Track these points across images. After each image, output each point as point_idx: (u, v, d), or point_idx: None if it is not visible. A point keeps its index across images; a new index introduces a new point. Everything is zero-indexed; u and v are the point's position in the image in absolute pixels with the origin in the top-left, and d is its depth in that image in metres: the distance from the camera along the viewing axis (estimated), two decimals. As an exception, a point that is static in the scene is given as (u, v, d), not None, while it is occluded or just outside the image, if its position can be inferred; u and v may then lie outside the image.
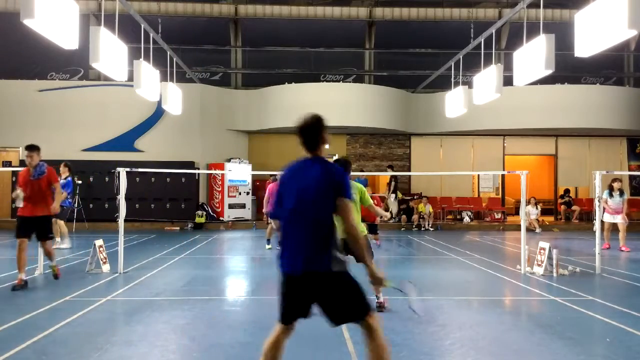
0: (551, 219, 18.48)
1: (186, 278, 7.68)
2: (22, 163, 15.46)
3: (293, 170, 3.31)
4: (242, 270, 8.96)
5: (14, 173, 15.71)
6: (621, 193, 11.20)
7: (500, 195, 19.15)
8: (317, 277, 3.13)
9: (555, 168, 19.26)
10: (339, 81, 19.48)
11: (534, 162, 20.47)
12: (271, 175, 12.28)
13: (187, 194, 16.32)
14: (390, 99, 17.59)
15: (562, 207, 17.98)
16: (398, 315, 5.55)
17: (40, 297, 6.48)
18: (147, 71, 10.12)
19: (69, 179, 10.77)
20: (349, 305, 3.18)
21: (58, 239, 10.66)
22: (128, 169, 8.23)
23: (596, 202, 8.52)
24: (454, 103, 12.94)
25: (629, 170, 18.91)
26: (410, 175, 19.04)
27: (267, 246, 11.43)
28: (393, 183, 16.92)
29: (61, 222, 10.76)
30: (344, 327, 5.04)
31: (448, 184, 19.04)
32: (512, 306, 6.51)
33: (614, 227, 11.25)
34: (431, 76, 16.98)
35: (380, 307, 5.62)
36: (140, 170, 9.37)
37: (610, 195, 11.17)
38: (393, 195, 16.94)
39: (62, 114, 16.57)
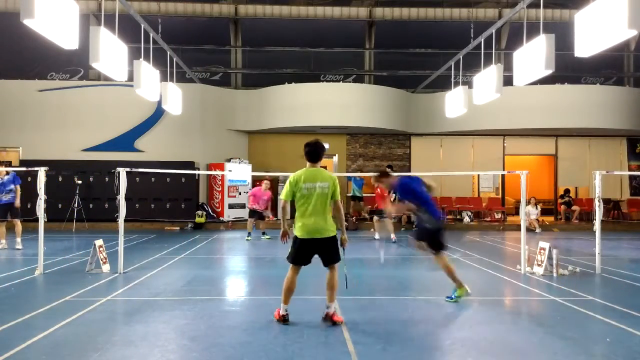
0: (551, 219, 18.47)
1: (186, 278, 7.67)
2: (22, 163, 15.50)
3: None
4: (242, 270, 8.96)
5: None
6: None
7: (500, 195, 19.15)
8: None
9: (555, 168, 19.26)
10: (339, 81, 19.47)
11: (534, 162, 20.47)
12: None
13: (187, 194, 16.31)
14: (390, 99, 17.58)
15: (562, 207, 17.98)
16: (398, 316, 5.56)
17: (40, 297, 6.49)
18: (147, 71, 10.12)
19: (13, 174, 10.43)
20: None
21: (2, 241, 10.46)
22: (128, 169, 8.23)
23: (596, 202, 8.52)
24: (454, 103, 12.94)
25: (629, 170, 18.91)
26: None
27: (248, 238, 12.69)
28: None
29: None
30: (344, 327, 5.05)
31: (448, 184, 19.03)
32: (512, 306, 6.51)
33: None
34: (431, 76, 16.98)
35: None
36: (140, 170, 9.36)
37: None
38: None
39: (62, 114, 16.57)
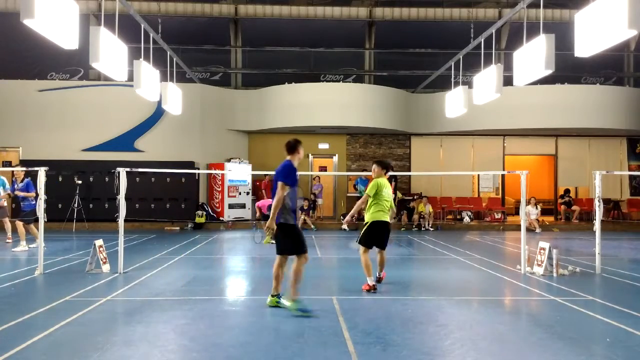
0: (551, 219, 18.48)
1: (186, 278, 7.67)
2: (22, 163, 15.48)
3: None
4: (242, 270, 8.96)
5: (14, 173, 15.70)
6: None
7: (500, 195, 19.15)
8: None
9: (555, 168, 19.27)
10: (339, 81, 19.47)
11: (534, 162, 20.47)
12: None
13: (187, 194, 16.32)
14: (390, 99, 17.58)
15: (562, 207, 17.98)
16: (398, 316, 5.56)
17: (40, 297, 6.48)
18: (147, 71, 10.12)
19: (28, 180, 10.59)
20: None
21: (23, 242, 10.45)
22: (128, 169, 8.23)
23: (596, 202, 8.52)
24: (454, 103, 12.94)
25: (629, 170, 18.92)
26: (410, 175, 19.03)
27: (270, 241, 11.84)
28: (393, 183, 16.93)
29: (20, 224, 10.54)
30: (344, 327, 5.05)
31: (448, 184, 19.04)
32: (512, 306, 6.51)
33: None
34: (431, 76, 16.98)
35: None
36: (140, 170, 9.37)
37: None
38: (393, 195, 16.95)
39: (62, 114, 16.57)
